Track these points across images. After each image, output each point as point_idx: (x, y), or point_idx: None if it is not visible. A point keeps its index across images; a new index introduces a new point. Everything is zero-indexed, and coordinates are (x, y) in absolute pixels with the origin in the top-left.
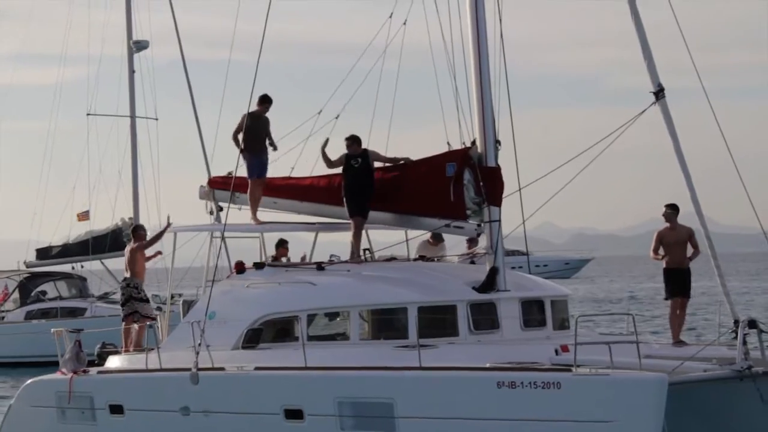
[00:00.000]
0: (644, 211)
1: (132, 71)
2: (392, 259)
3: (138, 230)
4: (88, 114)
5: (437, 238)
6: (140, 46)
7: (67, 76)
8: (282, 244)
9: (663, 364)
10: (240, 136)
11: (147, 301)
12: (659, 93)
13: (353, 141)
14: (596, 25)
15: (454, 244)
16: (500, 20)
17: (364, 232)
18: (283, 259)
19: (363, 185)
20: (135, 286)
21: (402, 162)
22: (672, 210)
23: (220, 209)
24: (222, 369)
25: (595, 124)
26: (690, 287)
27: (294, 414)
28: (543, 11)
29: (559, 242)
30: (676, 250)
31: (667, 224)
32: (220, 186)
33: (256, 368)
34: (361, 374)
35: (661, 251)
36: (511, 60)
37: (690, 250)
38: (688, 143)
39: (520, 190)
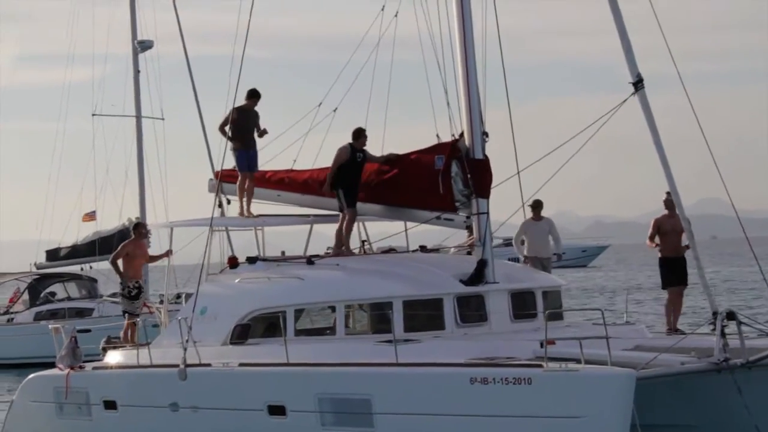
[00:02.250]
0: (662, 197)
1: (137, 71)
2: (391, 250)
3: (138, 227)
4: (93, 114)
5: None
6: (145, 45)
7: (75, 76)
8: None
9: (642, 356)
10: (227, 129)
11: (132, 297)
12: (638, 84)
13: (363, 135)
14: (599, 13)
15: (452, 233)
16: (495, 8)
17: (361, 224)
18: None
19: (358, 181)
20: (121, 283)
21: (390, 157)
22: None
23: (228, 202)
24: (209, 365)
25: (599, 112)
26: (686, 275)
27: (277, 410)
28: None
29: (577, 230)
30: (673, 238)
31: (666, 211)
32: (227, 179)
33: (241, 364)
34: (339, 370)
35: (657, 239)
36: (514, 48)
37: (686, 241)
38: (708, 126)
39: (519, 172)
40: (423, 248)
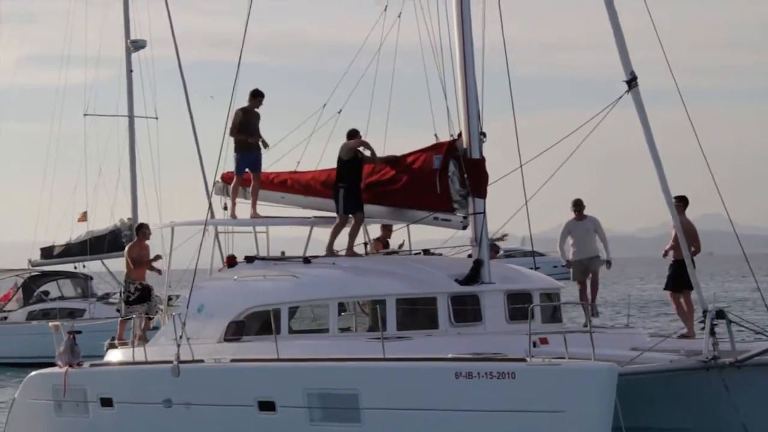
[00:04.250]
0: (662, 212)
1: (129, 70)
2: (393, 254)
3: (141, 228)
4: (85, 114)
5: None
6: (137, 45)
7: (70, 77)
8: (384, 227)
9: (630, 354)
10: (236, 131)
11: (131, 303)
12: (632, 82)
13: (358, 135)
14: (604, 25)
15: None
16: (500, 17)
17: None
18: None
19: (359, 181)
20: (124, 285)
21: (389, 158)
22: (680, 202)
23: (234, 205)
24: (201, 361)
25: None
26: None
27: (267, 406)
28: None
29: None
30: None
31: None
32: (232, 181)
33: (232, 360)
34: (326, 365)
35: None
36: (521, 59)
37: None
38: (710, 143)
39: (521, 165)
40: (426, 252)
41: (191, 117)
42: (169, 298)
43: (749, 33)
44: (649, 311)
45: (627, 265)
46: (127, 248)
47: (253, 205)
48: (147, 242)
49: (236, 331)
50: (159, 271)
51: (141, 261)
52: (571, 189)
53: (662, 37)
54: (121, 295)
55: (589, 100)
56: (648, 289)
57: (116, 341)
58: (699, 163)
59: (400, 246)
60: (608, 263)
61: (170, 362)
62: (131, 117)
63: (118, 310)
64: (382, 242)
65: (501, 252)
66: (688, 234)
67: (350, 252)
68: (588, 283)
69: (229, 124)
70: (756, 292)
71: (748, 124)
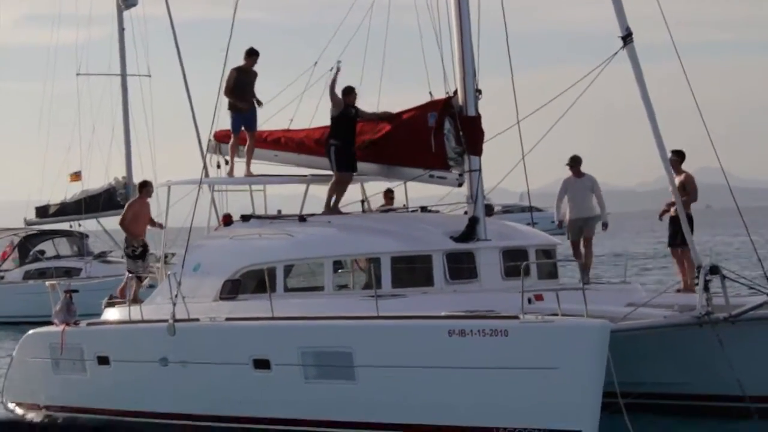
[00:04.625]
0: (660, 167)
1: (122, 29)
2: (390, 211)
3: (146, 186)
4: (77, 74)
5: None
6: (129, 3)
7: (62, 36)
8: (387, 193)
9: (625, 311)
10: (231, 92)
11: (136, 257)
12: (627, 38)
13: (353, 92)
14: None
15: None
16: None
17: (359, 184)
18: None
19: (353, 138)
20: (125, 241)
21: (384, 115)
22: (676, 156)
23: (227, 162)
24: (197, 320)
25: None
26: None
27: (262, 364)
28: None
29: None
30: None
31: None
32: (225, 140)
33: (227, 319)
34: (321, 324)
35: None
36: (517, 15)
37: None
38: (707, 97)
39: (519, 122)
40: (423, 209)
41: (184, 75)
42: (166, 256)
43: None
44: (647, 265)
45: (627, 219)
46: (127, 204)
47: (248, 164)
48: (148, 201)
49: (232, 289)
50: (161, 226)
51: (140, 217)
52: (570, 144)
53: None
54: (125, 251)
55: (587, 56)
56: (642, 243)
57: (126, 298)
58: (698, 116)
59: (363, 202)
60: (604, 225)
61: (166, 321)
62: (124, 76)
63: (130, 271)
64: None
65: (496, 209)
66: (688, 186)
67: (336, 210)
68: (582, 243)
69: (224, 84)
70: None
71: (751, 77)
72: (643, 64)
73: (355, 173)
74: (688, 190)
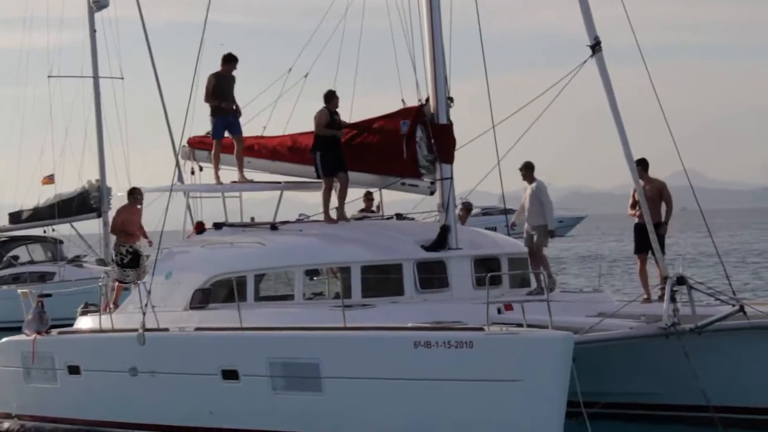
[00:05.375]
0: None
1: (93, 30)
2: (365, 218)
3: (132, 192)
4: (49, 76)
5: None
6: (100, 5)
7: (33, 40)
8: (367, 195)
9: (590, 321)
10: (212, 98)
11: (125, 265)
12: (596, 46)
13: (335, 97)
14: None
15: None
16: None
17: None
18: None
19: (339, 144)
20: (115, 248)
21: (358, 123)
22: (640, 166)
23: (201, 169)
24: (166, 330)
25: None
26: (663, 241)
27: (230, 374)
28: None
29: (554, 200)
30: (649, 204)
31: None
32: (199, 146)
33: (197, 329)
34: (288, 335)
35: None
36: (489, 18)
37: (664, 207)
38: (679, 100)
39: (494, 126)
40: (399, 216)
41: (157, 78)
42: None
43: None
44: (619, 268)
45: (603, 221)
46: (116, 211)
47: (240, 169)
48: (139, 207)
49: (202, 299)
50: (150, 242)
51: (129, 224)
52: (549, 146)
53: None
54: (113, 258)
55: (561, 57)
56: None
57: (110, 305)
58: (675, 118)
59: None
60: (551, 233)
61: (136, 330)
62: (96, 78)
63: (118, 281)
64: (365, 213)
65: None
66: (657, 197)
67: (328, 217)
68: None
69: (197, 87)
70: (732, 246)
71: (728, 79)
72: (629, 65)
73: (342, 174)
74: (665, 198)
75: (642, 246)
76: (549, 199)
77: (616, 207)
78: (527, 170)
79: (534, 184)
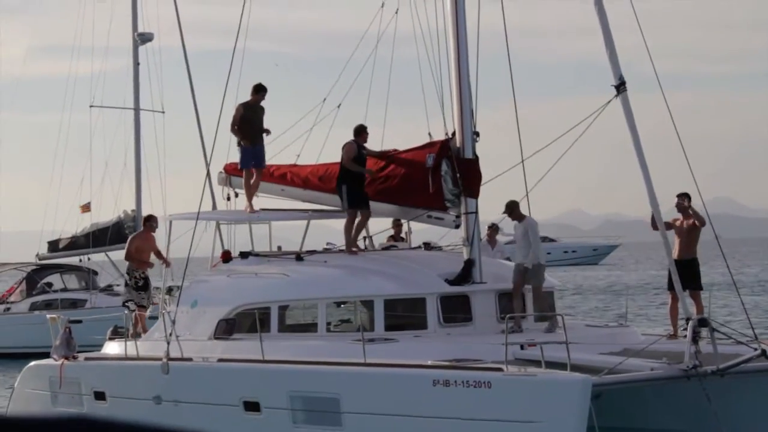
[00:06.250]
0: (671, 197)
1: (137, 63)
2: (391, 248)
3: (148, 220)
4: (90, 106)
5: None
6: (145, 38)
7: (79, 68)
8: (396, 222)
9: (611, 361)
10: (237, 128)
11: (138, 288)
12: (620, 86)
13: (365, 131)
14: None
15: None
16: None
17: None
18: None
19: (363, 177)
20: (128, 272)
21: (384, 153)
22: (685, 198)
23: (236, 195)
24: (190, 359)
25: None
26: (698, 278)
27: (252, 406)
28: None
29: (588, 229)
30: (684, 240)
31: (678, 215)
32: (235, 173)
33: (219, 360)
34: (309, 369)
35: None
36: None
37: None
38: (715, 127)
39: (523, 161)
40: (426, 245)
41: (196, 110)
42: (170, 289)
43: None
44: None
45: (637, 250)
46: (130, 238)
47: (249, 199)
48: (153, 234)
49: (227, 329)
50: (167, 263)
51: (143, 250)
52: (581, 175)
53: (679, 20)
54: (128, 283)
55: (591, 87)
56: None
57: (135, 330)
58: (712, 146)
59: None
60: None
61: (160, 359)
62: (137, 110)
63: (125, 305)
64: (395, 239)
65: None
66: (692, 235)
67: (349, 249)
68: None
69: (229, 115)
70: (760, 275)
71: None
72: (670, 89)
73: (365, 209)
74: (700, 220)
75: (684, 282)
76: (538, 237)
77: (652, 235)
78: (510, 210)
79: (525, 221)
